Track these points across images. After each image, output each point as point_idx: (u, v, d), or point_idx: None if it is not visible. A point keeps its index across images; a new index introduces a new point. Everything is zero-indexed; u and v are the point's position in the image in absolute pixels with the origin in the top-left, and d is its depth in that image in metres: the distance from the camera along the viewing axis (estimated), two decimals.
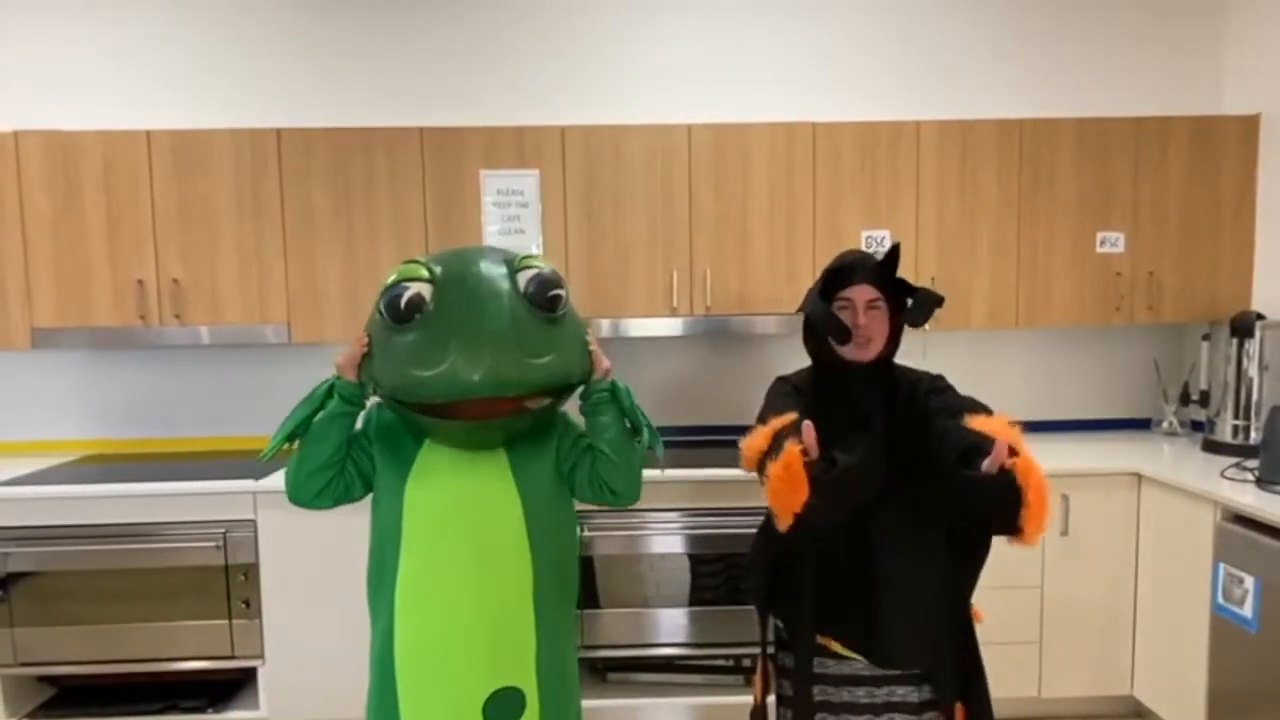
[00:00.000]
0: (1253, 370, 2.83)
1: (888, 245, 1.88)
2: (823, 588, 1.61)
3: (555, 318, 1.57)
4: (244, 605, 2.65)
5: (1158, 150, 2.94)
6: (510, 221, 2.88)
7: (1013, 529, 1.33)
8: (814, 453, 1.33)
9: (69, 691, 2.83)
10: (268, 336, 2.88)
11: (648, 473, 1.70)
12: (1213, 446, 2.90)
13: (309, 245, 2.87)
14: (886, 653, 1.60)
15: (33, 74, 3.10)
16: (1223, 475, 2.52)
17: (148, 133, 2.81)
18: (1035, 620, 2.73)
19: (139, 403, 3.22)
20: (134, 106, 3.11)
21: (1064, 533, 2.69)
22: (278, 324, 2.88)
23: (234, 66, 3.14)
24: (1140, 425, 3.35)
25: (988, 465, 1.29)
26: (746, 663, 2.78)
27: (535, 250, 2.87)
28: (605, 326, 2.90)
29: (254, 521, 2.64)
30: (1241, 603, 2.24)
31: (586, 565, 2.67)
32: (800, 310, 1.68)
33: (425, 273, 1.53)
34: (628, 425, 1.64)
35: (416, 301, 1.50)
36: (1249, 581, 2.21)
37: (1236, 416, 2.85)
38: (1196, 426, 3.18)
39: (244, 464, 2.87)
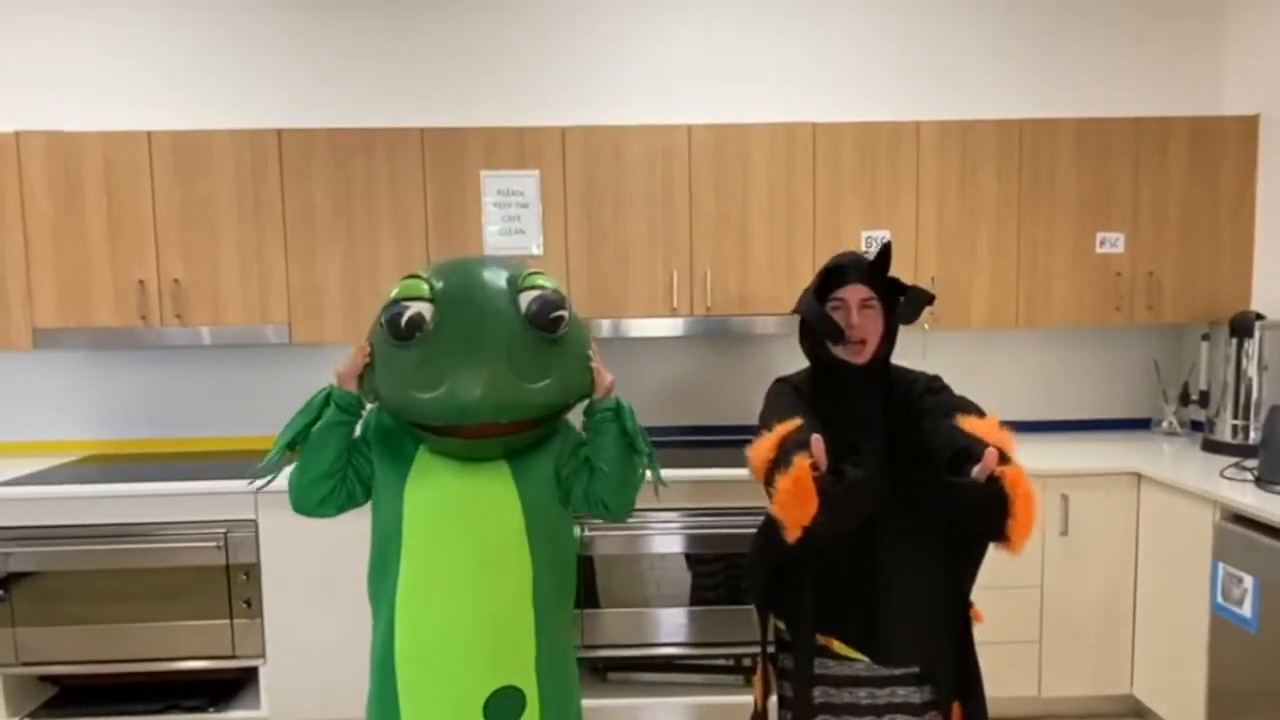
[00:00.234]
0: (1252, 370, 2.83)
1: None
2: (823, 587, 1.61)
3: (557, 338, 1.57)
4: (245, 605, 2.66)
5: (1158, 150, 2.94)
6: (510, 222, 2.89)
7: (999, 536, 1.34)
8: (823, 466, 1.33)
9: (70, 691, 2.83)
10: (268, 337, 2.89)
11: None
12: (1212, 446, 2.90)
13: (310, 245, 2.87)
14: (886, 651, 1.61)
15: (33, 74, 3.10)
16: (1222, 475, 2.53)
17: (148, 133, 2.82)
18: (1035, 620, 2.73)
19: (140, 403, 3.23)
20: (134, 107, 3.11)
21: (1064, 532, 2.70)
22: (278, 324, 2.88)
23: (234, 67, 3.14)
24: (1140, 425, 3.35)
25: (977, 473, 1.30)
26: (746, 662, 2.78)
27: (535, 250, 2.88)
28: (605, 326, 2.90)
29: (255, 521, 2.65)
30: (1241, 602, 2.24)
31: (587, 565, 2.68)
32: (795, 311, 1.69)
33: (426, 290, 1.53)
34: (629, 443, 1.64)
35: (417, 321, 1.50)
36: (1248, 581, 2.21)
37: (1236, 416, 2.86)
38: (1196, 426, 3.18)
39: (245, 464, 2.82)
